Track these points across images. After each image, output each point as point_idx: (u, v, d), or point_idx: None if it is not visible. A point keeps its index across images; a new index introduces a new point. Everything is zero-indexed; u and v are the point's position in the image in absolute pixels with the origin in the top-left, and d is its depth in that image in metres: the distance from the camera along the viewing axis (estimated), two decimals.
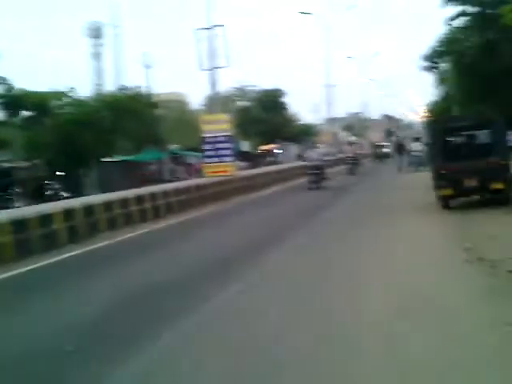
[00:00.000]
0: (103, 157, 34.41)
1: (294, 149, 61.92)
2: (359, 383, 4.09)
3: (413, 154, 30.03)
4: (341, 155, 46.98)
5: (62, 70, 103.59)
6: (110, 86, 58.77)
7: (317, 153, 25.38)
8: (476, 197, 13.50)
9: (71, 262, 10.24)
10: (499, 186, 12.29)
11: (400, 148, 33.09)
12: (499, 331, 4.77)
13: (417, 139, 32.03)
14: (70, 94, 33.01)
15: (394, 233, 10.63)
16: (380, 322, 5.30)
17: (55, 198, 23.97)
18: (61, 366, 4.88)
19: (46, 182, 26.66)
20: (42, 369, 4.86)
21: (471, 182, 12.60)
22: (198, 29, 24.75)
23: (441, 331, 4.94)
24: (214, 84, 24.81)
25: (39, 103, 30.96)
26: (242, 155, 44.23)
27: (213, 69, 24.20)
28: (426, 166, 28.10)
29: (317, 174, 23.03)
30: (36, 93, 31.64)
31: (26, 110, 31.61)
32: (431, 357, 4.39)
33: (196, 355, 4.88)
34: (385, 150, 52.05)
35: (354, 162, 32.40)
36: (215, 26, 24.27)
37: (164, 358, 4.84)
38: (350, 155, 32.87)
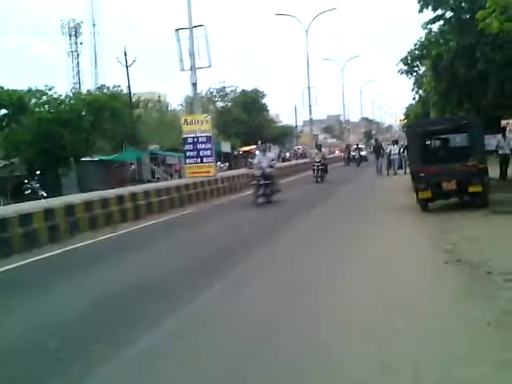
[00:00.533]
0: (82, 156, 34.17)
1: (274, 150, 61.95)
2: None
3: (391, 157, 29.87)
4: (305, 160, 44.47)
5: (41, 68, 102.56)
6: (88, 85, 58.52)
7: (267, 158, 19.14)
8: (455, 199, 13.71)
9: (51, 261, 10.16)
10: (477, 188, 12.49)
11: (378, 151, 32.66)
12: (480, 330, 4.89)
13: (395, 142, 32.13)
14: (49, 93, 32.73)
15: (372, 235, 10.75)
16: (361, 324, 5.38)
17: (34, 197, 23.73)
18: (41, 364, 4.88)
19: (25, 181, 26.34)
20: (22, 366, 4.85)
21: (450, 185, 12.78)
22: (178, 29, 24.65)
23: (421, 330, 5.04)
24: (194, 84, 24.71)
25: (17, 101, 30.63)
26: (222, 156, 44.24)
27: (193, 69, 24.10)
28: (404, 169, 27.99)
29: (266, 185, 18.16)
30: (14, 91, 31.29)
31: (3, 108, 31.25)
32: (412, 353, 4.49)
33: (177, 354, 4.92)
34: (362, 152, 49.12)
35: (321, 169, 28.10)
36: (196, 26, 24.21)
37: (145, 358, 4.86)
38: (317, 160, 28.37)
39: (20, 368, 4.85)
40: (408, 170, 26.37)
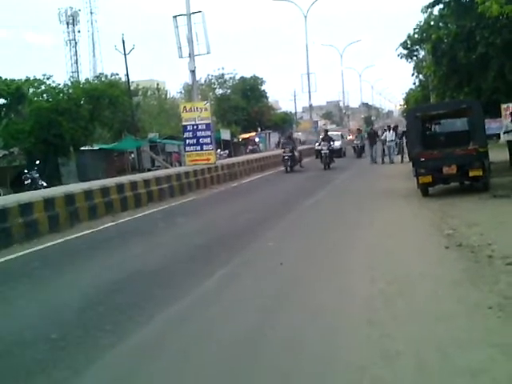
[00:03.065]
0: (81, 145, 34.09)
1: (274, 136, 61.87)
2: None
3: (387, 143, 28.29)
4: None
5: (38, 57, 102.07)
6: (86, 74, 58.27)
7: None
8: (455, 184, 13.70)
9: (52, 251, 10.15)
10: (478, 173, 12.47)
11: (373, 138, 30.18)
12: (481, 314, 4.89)
13: (390, 128, 30.06)
14: (47, 82, 32.57)
15: (373, 220, 10.75)
16: (362, 308, 5.38)
17: (34, 186, 23.72)
18: (45, 353, 4.89)
19: (24, 171, 26.30)
20: (24, 356, 4.86)
21: (450, 170, 12.77)
22: (176, 15, 24.48)
23: (423, 314, 5.05)
24: (192, 71, 24.59)
25: (15, 91, 30.49)
26: (222, 144, 44.15)
27: (192, 56, 23.97)
28: (401, 157, 27.00)
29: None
30: (12, 80, 31.14)
31: (2, 98, 31.11)
32: (414, 337, 4.49)
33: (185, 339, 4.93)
34: (336, 143, 32.04)
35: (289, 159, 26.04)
36: (194, 12, 24.04)
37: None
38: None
39: (21, 358, 4.84)
40: (405, 159, 25.60)
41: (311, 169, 27.10)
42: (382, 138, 29.25)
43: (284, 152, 26.76)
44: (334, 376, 4.04)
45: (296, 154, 26.88)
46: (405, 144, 26.02)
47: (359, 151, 34.85)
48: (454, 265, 6.69)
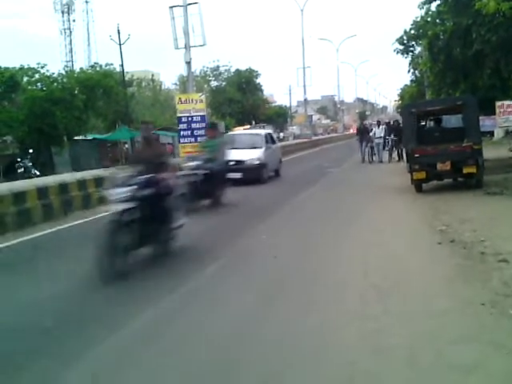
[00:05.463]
0: (75, 135, 33.96)
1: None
2: None
3: (376, 140, 25.74)
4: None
5: (33, 46, 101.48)
6: (81, 63, 58.03)
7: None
8: (448, 180, 13.75)
9: (45, 240, 10.11)
10: (472, 169, 12.52)
11: (363, 134, 27.06)
12: (474, 311, 4.91)
13: (379, 123, 27.68)
14: (41, 71, 32.37)
15: (367, 215, 10.78)
16: (355, 304, 5.40)
17: (27, 175, 23.63)
18: (35, 343, 4.88)
19: (17, 159, 26.20)
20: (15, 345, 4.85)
21: (444, 166, 12.80)
22: (172, 6, 24.35)
23: (415, 310, 5.07)
24: (188, 63, 24.49)
25: (9, 79, 30.29)
26: None
27: (188, 47, 23.87)
28: (389, 156, 25.24)
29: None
30: (5, 69, 30.94)
31: None
32: (406, 333, 4.51)
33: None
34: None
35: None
36: (190, 3, 23.92)
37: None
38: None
39: (13, 347, 4.83)
40: (394, 158, 24.94)
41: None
42: (371, 134, 26.57)
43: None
44: (326, 370, 4.04)
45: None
46: (393, 142, 25.05)
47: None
48: (447, 261, 6.72)
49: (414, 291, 5.63)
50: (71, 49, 67.90)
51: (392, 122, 29.38)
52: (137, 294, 6.12)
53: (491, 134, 21.17)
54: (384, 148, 25.93)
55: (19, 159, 26.30)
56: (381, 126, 26.40)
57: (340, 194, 14.71)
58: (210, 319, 5.24)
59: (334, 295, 5.72)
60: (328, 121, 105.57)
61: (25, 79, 32.03)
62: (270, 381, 3.93)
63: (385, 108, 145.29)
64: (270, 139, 20.17)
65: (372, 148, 26.17)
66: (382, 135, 25.59)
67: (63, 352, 4.60)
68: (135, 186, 6.91)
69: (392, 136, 24.97)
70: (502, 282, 5.61)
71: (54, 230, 10.91)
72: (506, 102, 22.39)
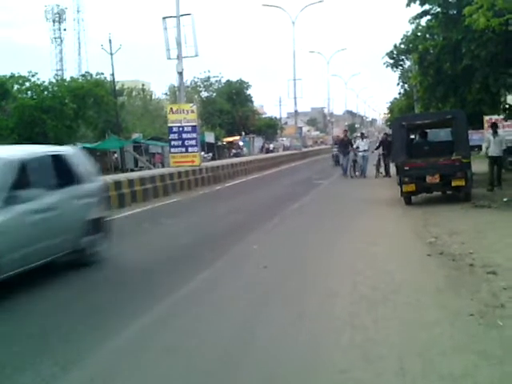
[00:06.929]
0: (65, 144, 33.78)
1: (258, 141, 61.98)
2: None
3: (360, 153, 24.32)
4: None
5: (23, 54, 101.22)
6: (71, 72, 57.93)
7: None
8: (438, 193, 13.86)
9: None
10: (460, 183, 12.64)
11: (345, 147, 25.37)
12: (463, 321, 4.96)
13: (363, 136, 26.68)
14: (32, 79, 32.34)
15: (356, 227, 10.83)
16: (345, 313, 5.43)
17: None
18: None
19: None
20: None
21: (433, 179, 12.92)
22: (165, 17, 24.50)
23: (405, 321, 5.10)
24: (180, 73, 24.60)
25: None
26: (206, 146, 44.10)
27: (180, 58, 23.98)
28: (376, 171, 23.62)
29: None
30: None
31: None
32: (396, 343, 4.55)
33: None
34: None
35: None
36: (183, 14, 24.08)
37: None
38: None
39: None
40: (381, 173, 23.39)
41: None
42: (354, 146, 25.07)
43: None
44: (317, 379, 4.07)
45: None
46: (381, 156, 23.73)
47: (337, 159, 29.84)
48: (436, 272, 6.78)
49: (403, 302, 5.67)
50: (61, 58, 67.92)
51: (382, 135, 28.16)
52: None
53: (479, 148, 21.31)
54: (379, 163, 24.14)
55: None
56: (364, 139, 25.45)
57: (330, 205, 14.79)
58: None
59: (323, 304, 5.75)
60: (317, 133, 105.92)
61: (15, 87, 32.01)
62: None
63: (374, 121, 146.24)
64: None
65: (355, 161, 24.67)
66: (366, 148, 24.49)
67: None
68: None
69: (380, 150, 23.91)
70: (490, 294, 5.66)
71: None
72: (494, 117, 22.68)
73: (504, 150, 15.64)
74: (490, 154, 15.10)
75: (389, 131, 28.82)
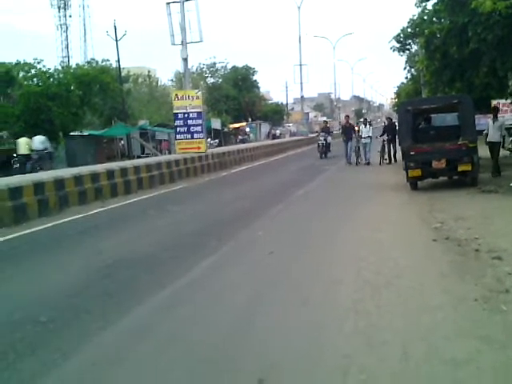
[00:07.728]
0: (71, 131, 33.90)
1: (264, 127, 61.81)
2: None
3: (362, 140, 23.88)
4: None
5: (29, 41, 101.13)
6: (77, 59, 57.87)
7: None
8: (444, 178, 13.81)
9: (41, 235, 10.12)
10: (467, 167, 12.59)
11: (348, 133, 25.08)
12: (467, 306, 4.96)
13: (366, 122, 25.46)
14: (38, 66, 32.29)
15: (362, 213, 10.82)
16: (350, 299, 5.44)
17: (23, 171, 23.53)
18: (33, 335, 4.90)
19: (13, 154, 26.11)
20: (13, 338, 4.86)
21: (439, 164, 12.86)
22: (169, 2, 24.36)
23: (409, 306, 5.11)
24: (185, 59, 24.51)
25: (5, 74, 30.23)
26: (212, 133, 44.08)
27: (184, 44, 23.89)
28: (381, 158, 23.17)
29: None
30: (1, 64, 30.87)
31: None
32: (400, 328, 4.55)
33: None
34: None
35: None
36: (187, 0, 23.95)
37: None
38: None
39: (10, 339, 4.85)
40: (385, 160, 23.16)
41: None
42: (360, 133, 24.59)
43: None
44: (321, 364, 4.08)
45: None
46: (386, 142, 23.41)
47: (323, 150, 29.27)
48: (441, 257, 6.77)
49: (408, 287, 5.67)
50: (67, 44, 67.59)
51: (386, 120, 27.39)
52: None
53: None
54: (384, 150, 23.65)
55: (15, 154, 26.20)
56: (367, 125, 24.55)
57: (335, 191, 14.78)
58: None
59: (328, 290, 5.75)
60: (324, 118, 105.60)
61: (21, 74, 31.99)
62: (266, 373, 3.96)
63: (381, 106, 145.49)
64: None
65: (359, 148, 24.34)
66: (370, 134, 23.76)
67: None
68: None
69: (385, 136, 23.51)
70: (495, 279, 5.66)
71: (49, 225, 10.92)
72: (502, 101, 22.50)
73: (503, 135, 15.36)
74: (488, 140, 14.93)
75: (393, 116, 28.78)
